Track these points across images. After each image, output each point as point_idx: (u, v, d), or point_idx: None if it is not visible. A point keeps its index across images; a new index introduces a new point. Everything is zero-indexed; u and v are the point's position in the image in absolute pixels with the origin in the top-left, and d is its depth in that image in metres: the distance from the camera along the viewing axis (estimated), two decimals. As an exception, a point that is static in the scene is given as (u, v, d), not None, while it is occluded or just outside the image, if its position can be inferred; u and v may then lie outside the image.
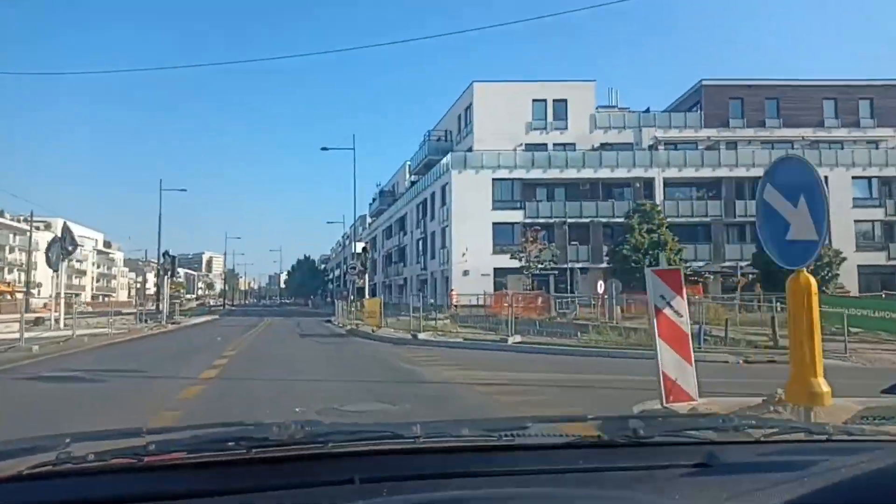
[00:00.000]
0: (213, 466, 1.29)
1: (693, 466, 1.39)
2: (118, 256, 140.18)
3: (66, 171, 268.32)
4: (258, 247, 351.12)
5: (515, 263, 41.64)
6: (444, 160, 44.44)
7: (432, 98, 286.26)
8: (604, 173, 42.61)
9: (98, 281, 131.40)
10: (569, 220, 41.89)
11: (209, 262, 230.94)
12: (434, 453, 1.42)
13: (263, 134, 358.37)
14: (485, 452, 1.44)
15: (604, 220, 42.21)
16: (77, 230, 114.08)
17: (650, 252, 32.50)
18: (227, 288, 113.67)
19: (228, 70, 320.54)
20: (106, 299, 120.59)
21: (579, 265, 41.84)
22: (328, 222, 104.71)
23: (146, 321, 30.89)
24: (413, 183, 56.40)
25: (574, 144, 44.27)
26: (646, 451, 1.48)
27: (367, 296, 42.09)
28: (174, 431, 1.80)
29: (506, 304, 28.64)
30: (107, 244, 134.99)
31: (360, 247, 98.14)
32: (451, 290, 41.59)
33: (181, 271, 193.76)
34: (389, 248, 65.04)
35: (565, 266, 41.32)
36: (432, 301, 43.87)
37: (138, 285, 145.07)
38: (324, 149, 39.50)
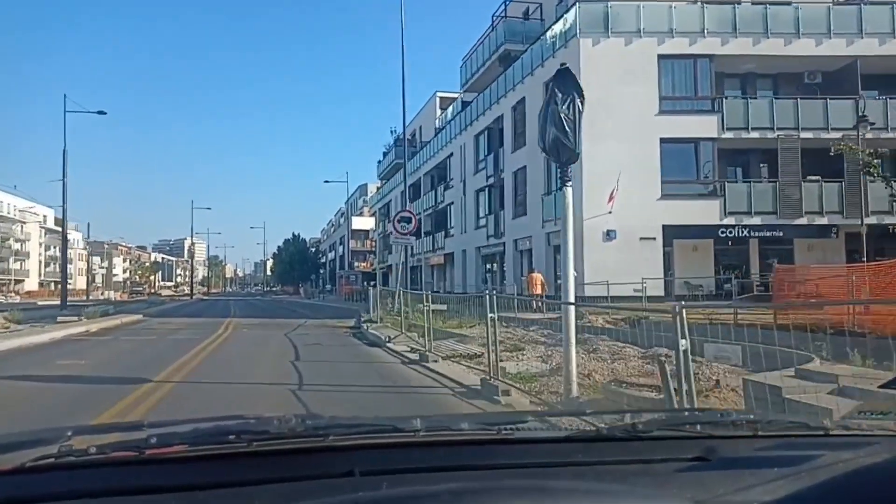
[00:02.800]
0: (214, 459, 1.28)
1: (691, 460, 1.38)
2: (75, 237, 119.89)
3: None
4: (244, 235, 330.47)
5: (705, 217, 21.69)
6: (563, 23, 23.46)
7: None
8: (864, 48, 22.47)
9: (48, 265, 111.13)
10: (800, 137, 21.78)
11: (191, 247, 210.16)
12: (434, 447, 1.40)
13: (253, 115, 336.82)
14: (484, 446, 1.42)
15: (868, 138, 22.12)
16: (17, 203, 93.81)
17: None
18: (193, 275, 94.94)
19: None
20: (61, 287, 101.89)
21: (819, 221, 22.03)
22: (325, 181, 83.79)
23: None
24: (465, 105, 35.96)
25: (790, 2, 24.09)
26: (644, 444, 1.45)
27: (395, 280, 22.65)
28: (175, 425, 1.70)
29: None
30: (58, 222, 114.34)
31: (364, 222, 77.78)
32: (532, 270, 22.59)
33: (157, 256, 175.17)
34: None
35: (784, 222, 21.64)
36: (500, 290, 24.55)
37: (103, 271, 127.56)
38: None
